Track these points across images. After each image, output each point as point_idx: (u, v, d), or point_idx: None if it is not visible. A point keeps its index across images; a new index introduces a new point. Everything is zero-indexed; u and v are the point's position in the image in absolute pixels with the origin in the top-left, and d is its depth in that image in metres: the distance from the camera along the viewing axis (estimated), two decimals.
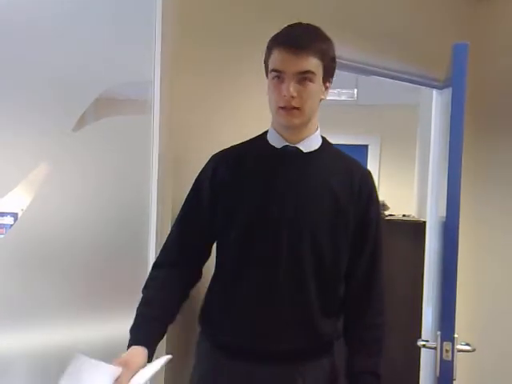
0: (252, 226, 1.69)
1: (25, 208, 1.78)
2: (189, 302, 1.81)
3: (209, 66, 2.01)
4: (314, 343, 1.72)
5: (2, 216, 1.87)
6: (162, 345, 1.92)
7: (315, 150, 1.74)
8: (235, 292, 1.70)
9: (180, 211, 1.80)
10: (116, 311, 1.93)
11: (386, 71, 2.72)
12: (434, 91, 3.04)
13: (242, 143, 1.80)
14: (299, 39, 1.61)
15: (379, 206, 1.81)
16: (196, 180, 1.79)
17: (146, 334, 1.62)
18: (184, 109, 1.96)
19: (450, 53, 2.15)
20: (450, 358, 1.99)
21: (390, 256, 2.17)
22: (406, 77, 2.85)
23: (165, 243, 1.80)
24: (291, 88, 1.60)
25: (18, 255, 1.77)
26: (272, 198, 1.69)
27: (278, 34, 1.66)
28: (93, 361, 1.43)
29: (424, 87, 3.09)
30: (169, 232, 1.81)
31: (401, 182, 5.10)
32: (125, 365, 1.48)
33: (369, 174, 1.82)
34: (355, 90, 5.34)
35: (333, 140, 1.83)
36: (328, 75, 1.69)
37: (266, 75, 1.69)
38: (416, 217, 3.99)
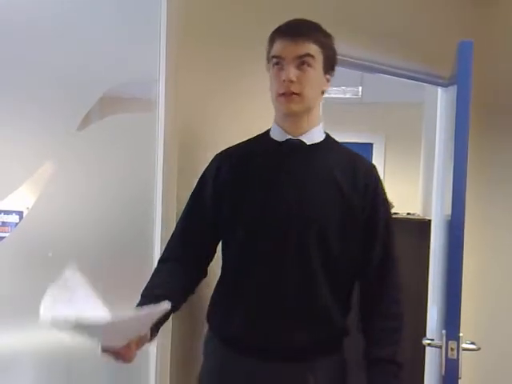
0: (256, 223, 1.69)
1: (30, 206, 1.78)
2: (196, 302, 1.81)
3: (214, 64, 2.01)
4: (323, 340, 1.71)
5: (7, 214, 1.87)
6: (167, 349, 1.93)
7: (318, 143, 1.74)
8: (242, 288, 1.70)
9: (184, 208, 1.80)
10: (118, 308, 1.94)
11: (390, 69, 2.72)
12: (439, 89, 3.03)
13: (246, 141, 1.80)
14: (299, 28, 1.66)
15: (385, 196, 1.79)
16: (200, 178, 1.80)
17: None
18: (189, 107, 1.96)
19: (454, 50, 2.14)
20: (455, 357, 1.99)
21: None
22: (410, 74, 2.84)
23: (169, 239, 1.81)
24: (290, 73, 1.62)
25: (23, 253, 1.77)
26: (276, 193, 1.69)
27: (278, 26, 1.69)
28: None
29: (429, 85, 3.09)
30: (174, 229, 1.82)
31: (406, 180, 5.09)
32: None
33: (373, 167, 1.81)
34: (360, 88, 5.33)
35: (337, 138, 1.82)
36: (328, 66, 1.70)
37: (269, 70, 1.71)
38: (421, 215, 3.98)
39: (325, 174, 1.71)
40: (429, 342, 2.23)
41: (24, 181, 1.73)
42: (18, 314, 1.75)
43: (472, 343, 2.10)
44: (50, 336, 1.80)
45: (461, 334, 2.00)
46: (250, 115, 2.11)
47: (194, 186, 1.80)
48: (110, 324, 1.37)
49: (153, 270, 1.78)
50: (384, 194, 1.78)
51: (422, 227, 3.46)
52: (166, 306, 1.39)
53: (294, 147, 1.71)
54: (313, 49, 1.64)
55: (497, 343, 2.95)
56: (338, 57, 1.76)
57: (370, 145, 6.00)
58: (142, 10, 1.95)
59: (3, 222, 1.87)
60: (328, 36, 1.70)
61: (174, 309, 1.62)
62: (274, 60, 1.66)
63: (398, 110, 5.72)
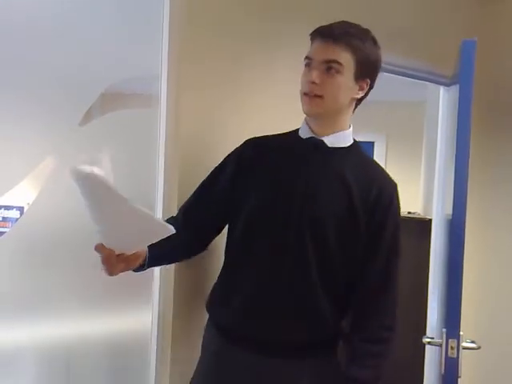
0: (257, 214, 1.71)
1: (31, 202, 1.78)
2: (196, 302, 1.80)
3: (216, 60, 2.01)
4: (317, 337, 1.71)
5: (8, 209, 1.87)
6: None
7: (341, 148, 1.74)
8: (241, 277, 1.72)
9: (205, 178, 1.82)
10: (120, 305, 1.94)
11: (392, 67, 2.71)
12: (441, 88, 3.03)
13: (278, 134, 1.82)
14: (333, 30, 1.65)
15: (397, 219, 1.74)
16: (226, 157, 1.81)
17: None
18: (191, 103, 1.96)
19: (457, 49, 2.14)
20: (455, 356, 1.99)
21: None
22: (412, 73, 2.84)
23: (185, 202, 1.82)
24: (314, 74, 1.64)
25: (23, 249, 1.78)
26: (284, 187, 1.70)
27: (319, 26, 1.69)
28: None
29: (431, 84, 3.08)
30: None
31: (407, 179, 5.05)
32: None
33: (392, 186, 1.76)
34: None
35: None
36: (363, 74, 1.68)
37: None
38: (422, 214, 3.98)
39: (337, 178, 1.70)
40: (429, 340, 2.24)
41: (25, 176, 1.73)
42: (18, 310, 1.76)
43: (472, 342, 2.11)
44: (50, 330, 1.80)
45: (461, 333, 2.00)
46: (250, 111, 2.11)
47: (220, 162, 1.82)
48: (121, 201, 1.36)
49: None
50: (396, 215, 1.73)
51: (422, 226, 3.46)
52: (171, 228, 1.39)
53: (315, 146, 1.72)
54: (342, 55, 1.63)
55: (497, 342, 2.95)
56: None
57: (372, 143, 5.99)
58: (143, 6, 1.94)
59: (4, 218, 1.87)
60: (366, 41, 1.68)
61: (168, 258, 1.71)
62: (306, 60, 1.68)
63: (400, 109, 5.71)
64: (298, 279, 1.68)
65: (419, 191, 4.26)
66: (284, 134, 1.82)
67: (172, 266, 1.90)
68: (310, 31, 1.69)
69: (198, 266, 1.94)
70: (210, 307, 1.80)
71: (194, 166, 1.92)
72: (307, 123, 1.75)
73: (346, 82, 1.66)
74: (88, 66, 1.82)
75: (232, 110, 2.07)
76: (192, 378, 1.80)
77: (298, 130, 1.79)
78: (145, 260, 1.59)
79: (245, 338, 1.70)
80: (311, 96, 1.66)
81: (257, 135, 1.81)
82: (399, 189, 1.77)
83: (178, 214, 1.82)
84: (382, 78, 2.95)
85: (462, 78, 2.07)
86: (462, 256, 2.05)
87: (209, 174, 1.82)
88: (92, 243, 1.46)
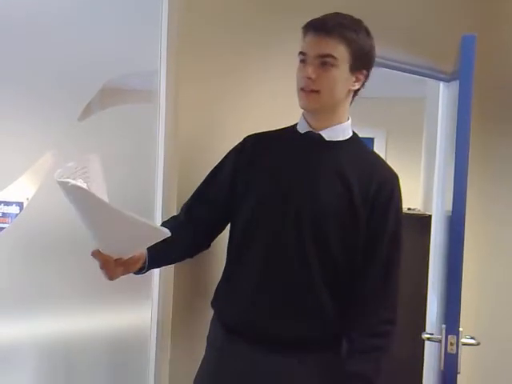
0: (257, 212, 1.71)
1: (30, 197, 1.78)
2: (196, 302, 1.79)
3: (214, 54, 2.00)
4: (319, 333, 1.71)
5: (7, 205, 1.87)
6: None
7: (340, 141, 1.74)
8: (241, 274, 1.72)
9: (207, 175, 1.82)
10: (119, 300, 1.94)
11: (392, 63, 2.70)
12: (441, 84, 3.02)
13: (277, 129, 1.82)
14: (325, 23, 1.64)
15: (398, 212, 1.74)
16: (226, 154, 1.81)
17: None
18: (190, 98, 1.95)
19: (457, 45, 2.13)
20: (454, 352, 1.99)
21: None
22: (412, 69, 2.83)
23: (188, 199, 1.82)
24: (310, 70, 1.63)
25: (22, 244, 1.77)
26: (282, 180, 1.70)
27: (310, 19, 1.68)
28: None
29: (431, 80, 3.07)
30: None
31: (407, 175, 5.04)
32: None
33: (392, 178, 1.77)
34: None
35: None
36: (358, 66, 1.67)
37: None
38: (422, 210, 3.97)
39: (334, 172, 1.69)
40: (428, 336, 2.24)
41: (24, 171, 1.73)
42: (17, 305, 1.76)
43: (472, 338, 2.11)
44: (49, 326, 1.80)
45: (460, 329, 2.00)
46: (249, 108, 2.10)
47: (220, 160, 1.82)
48: (109, 210, 1.37)
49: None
50: (397, 211, 1.73)
51: (422, 222, 3.46)
52: (166, 231, 1.39)
53: (312, 140, 1.72)
54: (336, 48, 1.62)
55: (497, 338, 2.95)
56: None
57: (372, 139, 5.99)
58: (143, 0, 1.94)
59: (3, 213, 1.87)
60: (360, 32, 1.67)
61: (169, 258, 1.71)
62: (300, 55, 1.67)
63: (400, 105, 5.70)
64: (298, 276, 1.68)
65: (419, 187, 4.26)
66: (283, 129, 1.81)
67: None
68: None
69: (198, 261, 1.94)
70: (215, 303, 1.81)
71: (194, 160, 1.92)
72: (305, 118, 1.75)
73: (341, 75, 1.65)
74: (87, 61, 1.82)
75: (231, 104, 2.07)
76: (196, 375, 1.80)
77: (296, 124, 1.79)
78: (145, 263, 1.59)
79: (248, 334, 1.70)
80: (308, 91, 1.65)
81: (256, 129, 1.81)
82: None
83: (180, 212, 1.82)
84: (382, 74, 2.95)
85: (461, 74, 2.07)
86: (461, 252, 2.05)
87: (210, 171, 1.82)
88: (91, 241, 1.46)
